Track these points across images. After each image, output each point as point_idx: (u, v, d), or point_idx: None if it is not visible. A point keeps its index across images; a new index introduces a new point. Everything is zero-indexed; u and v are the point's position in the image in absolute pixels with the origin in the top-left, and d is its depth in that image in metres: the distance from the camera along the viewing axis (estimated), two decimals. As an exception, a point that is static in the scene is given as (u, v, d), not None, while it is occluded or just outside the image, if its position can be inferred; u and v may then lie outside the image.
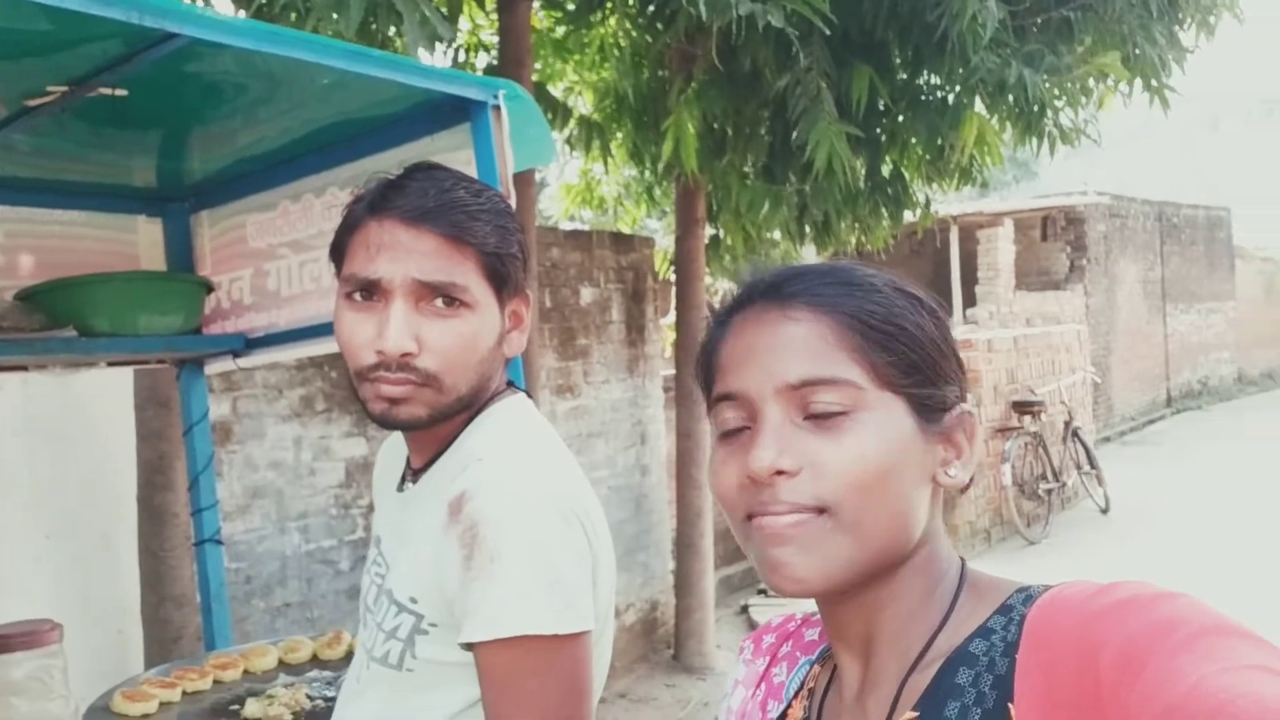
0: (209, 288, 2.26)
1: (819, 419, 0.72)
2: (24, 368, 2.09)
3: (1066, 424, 9.45)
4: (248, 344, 2.24)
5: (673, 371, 5.76)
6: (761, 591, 7.24)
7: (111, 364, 2.25)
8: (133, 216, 2.29)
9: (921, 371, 0.74)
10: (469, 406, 1.18)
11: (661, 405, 5.82)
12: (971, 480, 0.77)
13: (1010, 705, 0.65)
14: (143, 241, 2.32)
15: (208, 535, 2.36)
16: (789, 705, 0.86)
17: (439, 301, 1.12)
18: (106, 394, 2.92)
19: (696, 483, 5.50)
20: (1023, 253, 14.35)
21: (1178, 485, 10.10)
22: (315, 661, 2.05)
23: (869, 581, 0.74)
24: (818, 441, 0.71)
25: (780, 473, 0.71)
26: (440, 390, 1.13)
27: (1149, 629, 0.59)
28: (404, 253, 1.11)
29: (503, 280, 1.17)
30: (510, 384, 1.26)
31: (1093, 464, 9.46)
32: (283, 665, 2.01)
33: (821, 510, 0.70)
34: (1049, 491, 8.84)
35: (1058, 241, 15.00)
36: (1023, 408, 8.72)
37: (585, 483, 1.19)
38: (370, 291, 1.12)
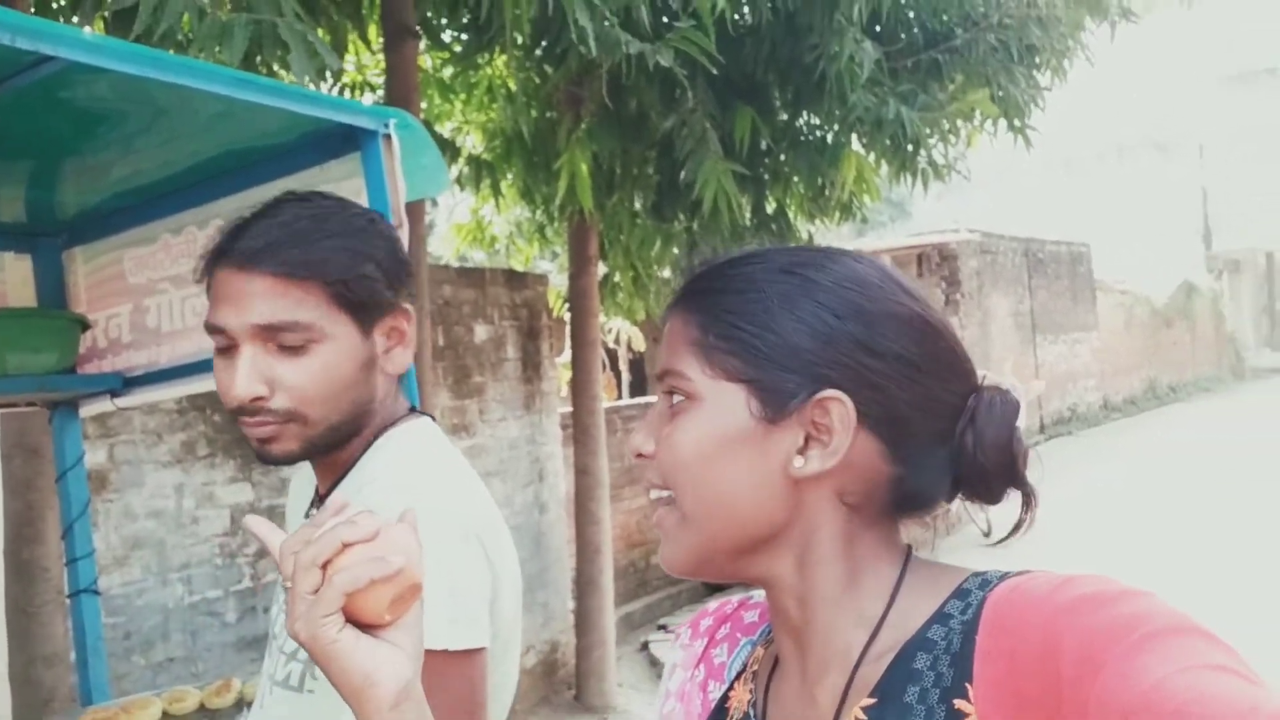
0: (84, 325, 2.16)
1: (669, 409, 0.77)
2: (-122, 412, 1.96)
3: (949, 451, 9.78)
4: (126, 383, 2.15)
5: (569, 409, 5.76)
6: (662, 627, 7.23)
7: (-23, 407, 2.13)
8: (-1, 253, 2.19)
9: (773, 360, 0.73)
10: (355, 432, 1.18)
11: (559, 442, 5.80)
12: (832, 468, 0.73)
13: (968, 685, 0.65)
14: (10, 279, 2.21)
15: (84, 585, 2.24)
16: (731, 686, 0.85)
17: (285, 341, 1.11)
18: (-31, 443, 2.75)
19: (595, 518, 5.48)
20: (902, 288, 14.85)
21: (1058, 506, 10.47)
22: (203, 711, 1.96)
23: (743, 569, 0.77)
24: (667, 428, 0.76)
25: (639, 456, 0.78)
26: (306, 424, 1.13)
27: (1109, 626, 0.59)
28: (240, 299, 1.11)
29: (358, 305, 1.14)
30: (413, 409, 1.26)
31: (976, 491, 9.80)
32: (167, 716, 1.92)
33: (669, 501, 0.76)
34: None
35: (933, 277, 15.60)
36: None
37: (489, 504, 1.19)
38: (223, 340, 1.13)
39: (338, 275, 1.13)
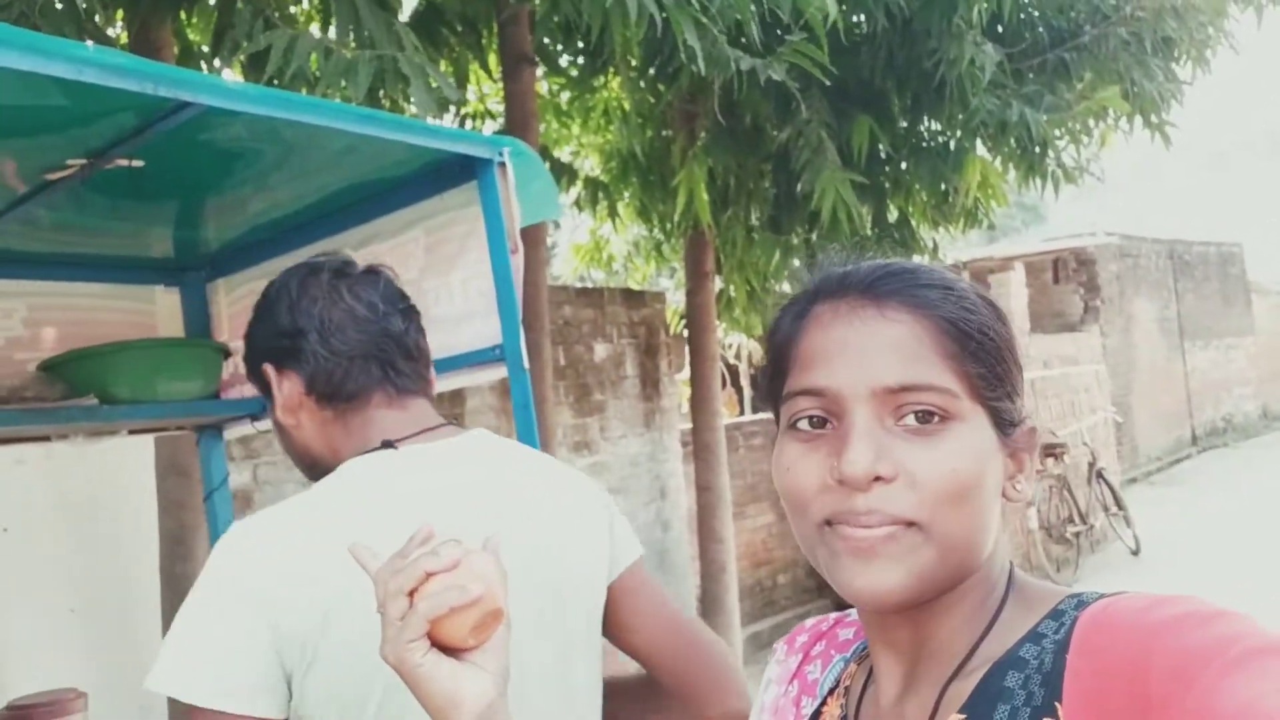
0: (226, 353, 2.29)
1: (915, 425, 0.69)
2: (47, 438, 2.12)
3: (1090, 465, 9.35)
4: (265, 407, 2.26)
5: (689, 425, 5.76)
6: (790, 646, 7.13)
7: (133, 431, 2.28)
8: (150, 287, 2.34)
9: (1004, 384, 0.73)
10: (317, 479, 1.26)
11: (680, 459, 5.81)
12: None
13: (1057, 704, 0.64)
14: (161, 311, 2.36)
15: (229, 600, 2.36)
16: (823, 702, 0.84)
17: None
18: (128, 466, 2.94)
19: (718, 536, 5.46)
20: (1036, 296, 14.35)
21: (1209, 524, 9.94)
22: None
23: (940, 594, 0.73)
24: (911, 449, 0.69)
25: (878, 479, 0.68)
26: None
27: (1203, 645, 0.58)
28: None
29: (256, 386, 1.35)
30: (385, 444, 1.25)
31: (1120, 505, 9.34)
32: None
33: (911, 523, 0.68)
34: (1077, 534, 8.72)
35: (1070, 283, 15.00)
36: (1045, 450, 8.66)
37: (320, 560, 1.11)
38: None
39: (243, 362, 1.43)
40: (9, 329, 2.11)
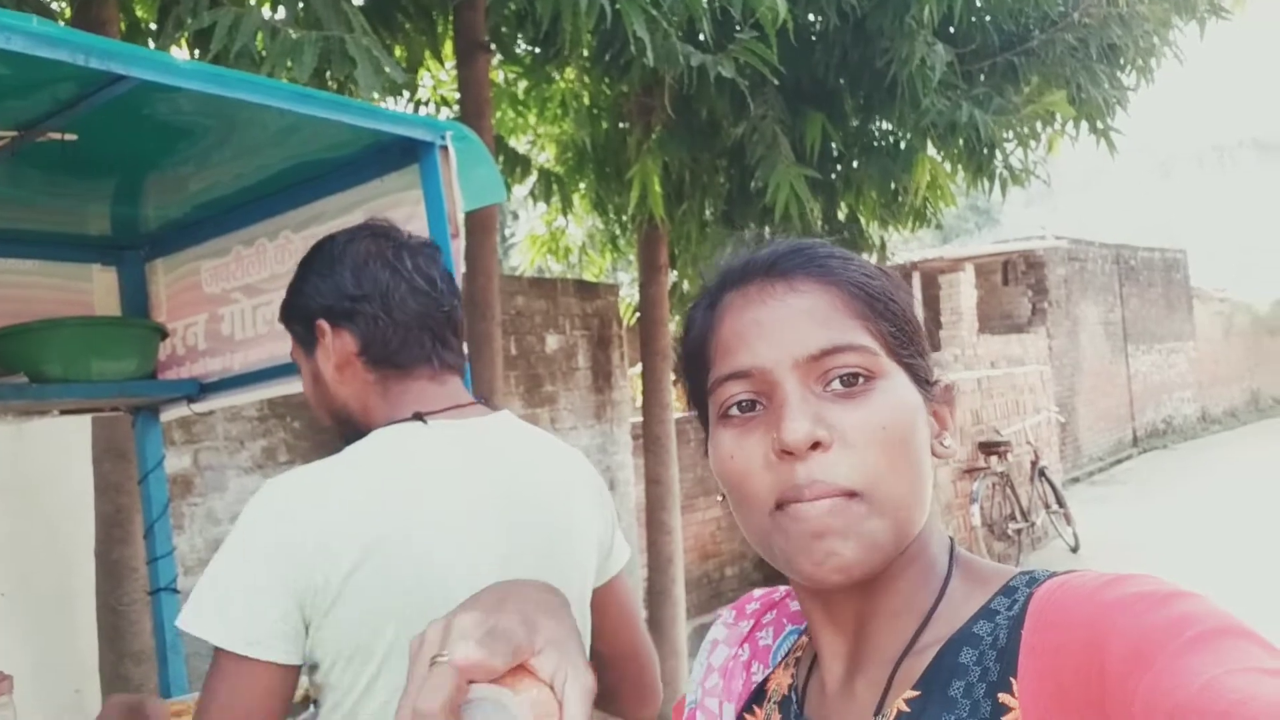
0: (162, 333, 2.26)
1: (841, 389, 0.70)
2: (-25, 416, 2.08)
3: (1033, 464, 9.54)
4: (202, 389, 2.24)
5: (640, 419, 5.78)
6: (736, 639, 7.18)
7: (65, 411, 2.24)
8: (87, 265, 2.30)
9: (914, 343, 0.74)
10: (349, 434, 1.33)
11: (630, 451, 5.83)
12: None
13: (1012, 679, 0.64)
14: (98, 290, 2.32)
15: (164, 584, 2.34)
16: (773, 671, 0.84)
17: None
18: (65, 447, 2.89)
19: (667, 528, 5.48)
20: (985, 297, 14.58)
21: (1148, 523, 10.18)
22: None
23: (896, 560, 0.72)
24: (842, 411, 0.69)
25: (816, 445, 0.68)
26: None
27: (1160, 625, 0.59)
28: None
29: (295, 334, 1.39)
30: (416, 415, 1.30)
31: (1061, 503, 9.53)
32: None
33: (852, 494, 0.68)
34: (1018, 531, 8.89)
35: (1019, 285, 15.26)
36: (989, 448, 8.81)
37: (352, 516, 1.18)
38: None
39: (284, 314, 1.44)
40: (-63, 304, 2.06)
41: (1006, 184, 5.13)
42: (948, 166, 5.06)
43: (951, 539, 0.78)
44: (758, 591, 0.93)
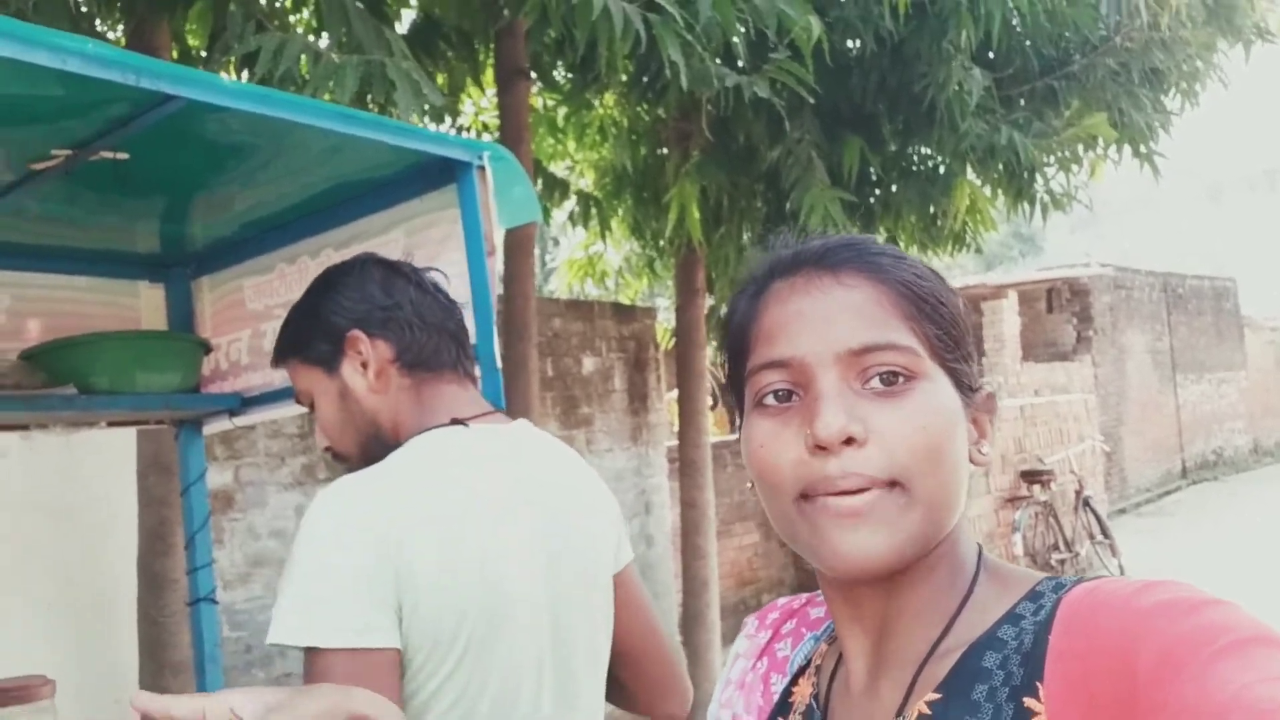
0: (206, 348, 2.32)
1: (881, 387, 0.70)
2: (26, 426, 2.14)
3: (1077, 493, 9.38)
4: (244, 403, 2.29)
5: (676, 442, 5.78)
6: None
7: (111, 423, 2.30)
8: (135, 282, 2.37)
9: (960, 347, 0.74)
10: (374, 454, 1.32)
11: (665, 475, 5.83)
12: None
13: (1038, 684, 0.64)
14: (145, 306, 2.39)
15: (203, 594, 2.38)
16: (794, 681, 0.84)
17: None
18: (110, 461, 2.96)
19: (702, 553, 5.47)
20: (1028, 325, 14.41)
21: (1195, 557, 9.95)
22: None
23: (927, 557, 0.72)
24: (880, 410, 0.69)
25: (849, 441, 0.68)
26: (339, 457, 1.43)
27: (1192, 632, 0.58)
28: None
29: (314, 357, 1.41)
30: (455, 421, 1.34)
31: (1106, 534, 9.36)
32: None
33: (893, 484, 0.68)
34: (1061, 562, 8.73)
35: (1063, 313, 15.07)
36: (1032, 477, 8.68)
37: (426, 508, 1.21)
38: None
39: (293, 341, 1.48)
40: (-8, 318, 2.14)
41: (1048, 208, 5.10)
42: (987, 191, 5.05)
43: (980, 545, 0.78)
44: (781, 600, 0.93)
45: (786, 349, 0.72)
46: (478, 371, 1.52)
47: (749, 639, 0.91)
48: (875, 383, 0.70)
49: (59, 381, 2.02)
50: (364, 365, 1.38)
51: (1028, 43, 4.70)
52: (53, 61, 1.29)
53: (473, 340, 1.90)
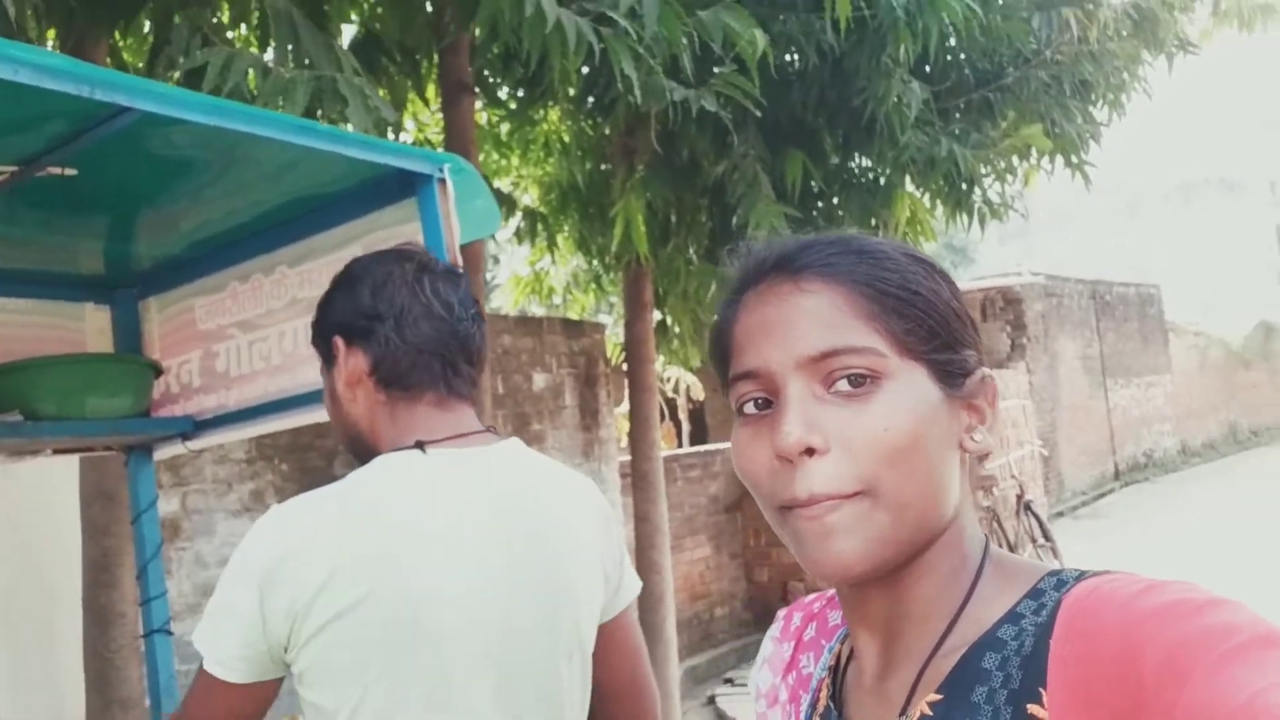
0: (157, 370, 2.25)
1: (847, 390, 0.70)
2: (-34, 455, 2.06)
3: (1019, 498, 9.57)
4: (197, 426, 2.23)
5: (628, 457, 5.77)
6: (728, 680, 7.12)
7: (58, 450, 2.22)
8: (80, 304, 2.29)
9: (940, 336, 0.72)
10: (359, 454, 1.38)
11: (618, 490, 5.82)
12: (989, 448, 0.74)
13: (1041, 690, 0.63)
14: (90, 329, 2.31)
15: (157, 625, 2.30)
16: (816, 695, 0.84)
17: None
18: (52, 490, 2.86)
19: (657, 568, 5.45)
20: (965, 334, 14.68)
21: (1131, 556, 10.21)
22: (269, 747, 1.99)
23: (906, 559, 0.72)
24: (844, 415, 0.69)
25: (811, 451, 0.68)
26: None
27: (1197, 635, 0.57)
28: None
29: (319, 349, 1.42)
30: (417, 444, 1.31)
31: (1048, 537, 9.55)
32: (235, 751, 1.95)
33: (856, 494, 0.68)
34: (996, 541, 8.88)
35: (997, 321, 15.41)
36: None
37: (350, 542, 1.21)
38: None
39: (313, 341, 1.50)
40: (-70, 343, 2.05)
41: (985, 218, 5.21)
42: (927, 201, 5.14)
43: (986, 538, 0.77)
44: (807, 599, 0.92)
45: (754, 359, 0.73)
46: (481, 383, 1.50)
47: (775, 642, 0.91)
48: (841, 386, 0.70)
49: (3, 408, 1.95)
50: (342, 373, 1.36)
51: (963, 56, 4.82)
52: (4, 73, 1.24)
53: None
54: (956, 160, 4.40)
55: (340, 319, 1.37)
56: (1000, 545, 8.56)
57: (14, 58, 1.26)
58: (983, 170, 4.86)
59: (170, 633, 2.37)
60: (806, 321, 0.71)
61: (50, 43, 2.84)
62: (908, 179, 5.01)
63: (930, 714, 0.69)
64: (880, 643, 0.76)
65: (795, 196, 4.50)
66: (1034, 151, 5.06)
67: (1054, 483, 14.53)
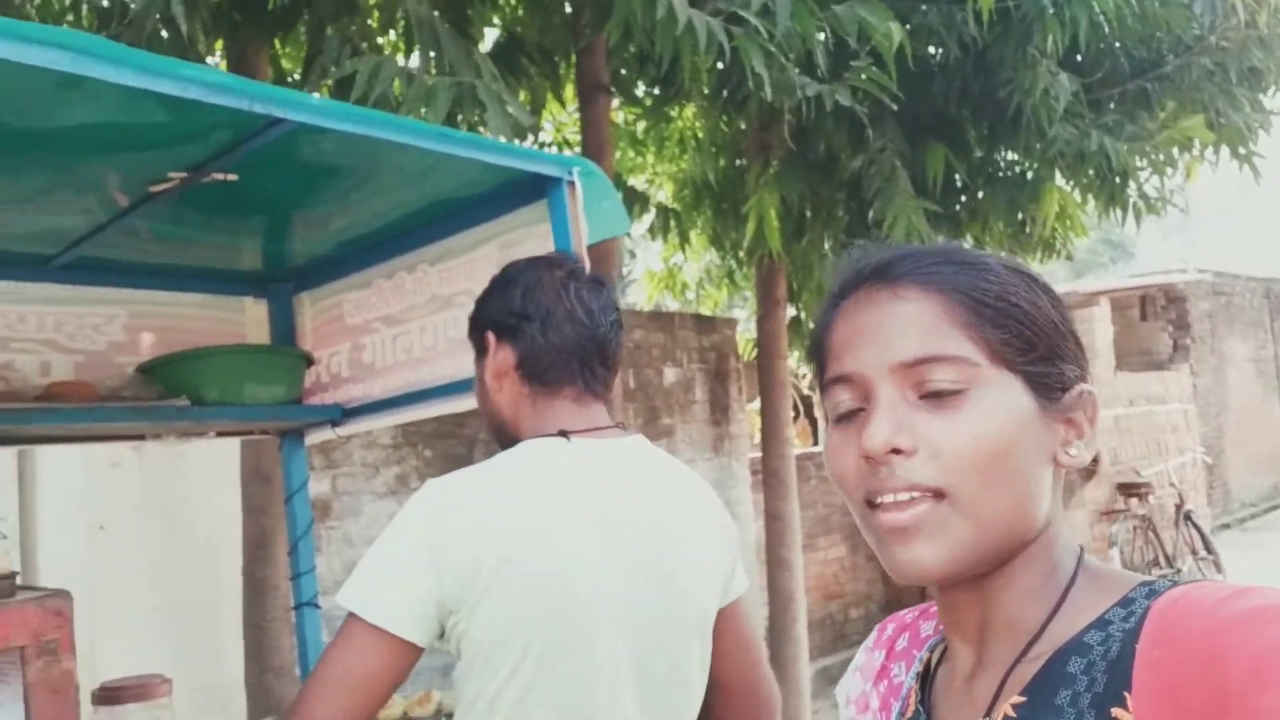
0: (309, 360, 2.41)
1: (934, 398, 0.71)
2: (142, 437, 2.25)
3: (1178, 507, 9.04)
4: (344, 413, 2.38)
5: (760, 454, 5.76)
6: (858, 681, 7.01)
7: (220, 433, 2.40)
8: (240, 298, 2.47)
9: (1037, 349, 0.72)
10: (502, 440, 1.48)
11: (749, 486, 5.81)
12: (1096, 461, 0.75)
13: (1126, 694, 0.63)
14: (249, 321, 2.49)
15: (306, 599, 2.46)
16: (906, 701, 0.85)
17: None
18: (214, 472, 3.09)
19: (787, 565, 5.43)
20: (1122, 333, 13.95)
21: (1299, 573, 9.51)
22: (405, 719, 2.11)
23: (990, 566, 0.73)
24: (934, 420, 0.70)
25: (897, 451, 0.70)
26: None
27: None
28: None
29: (473, 341, 1.52)
30: (561, 433, 1.41)
31: (1209, 549, 8.99)
32: (374, 722, 2.08)
33: (940, 495, 0.69)
34: (1162, 578, 8.43)
35: (1158, 321, 14.56)
36: (1129, 490, 8.40)
37: (499, 517, 1.30)
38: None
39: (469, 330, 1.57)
40: (111, 333, 2.25)
41: (1141, 213, 4.96)
42: (1077, 196, 4.93)
43: (1081, 548, 0.77)
44: (902, 612, 0.94)
45: (849, 364, 0.75)
46: (612, 384, 1.56)
47: (867, 652, 0.93)
48: (933, 392, 0.71)
49: (173, 393, 2.12)
50: (491, 365, 1.47)
51: (1117, 44, 4.59)
52: (175, 89, 1.36)
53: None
54: (1108, 153, 4.21)
55: (493, 316, 1.48)
56: (1156, 556, 8.13)
57: (184, 76, 1.38)
58: (1138, 163, 4.62)
59: (318, 606, 2.53)
60: (901, 328, 0.73)
61: (218, 53, 3.06)
62: (1057, 173, 4.82)
63: (1014, 716, 0.70)
64: (972, 646, 0.77)
65: (936, 191, 4.40)
66: (1196, 142, 4.78)
67: (1219, 492, 13.65)
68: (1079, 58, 4.58)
